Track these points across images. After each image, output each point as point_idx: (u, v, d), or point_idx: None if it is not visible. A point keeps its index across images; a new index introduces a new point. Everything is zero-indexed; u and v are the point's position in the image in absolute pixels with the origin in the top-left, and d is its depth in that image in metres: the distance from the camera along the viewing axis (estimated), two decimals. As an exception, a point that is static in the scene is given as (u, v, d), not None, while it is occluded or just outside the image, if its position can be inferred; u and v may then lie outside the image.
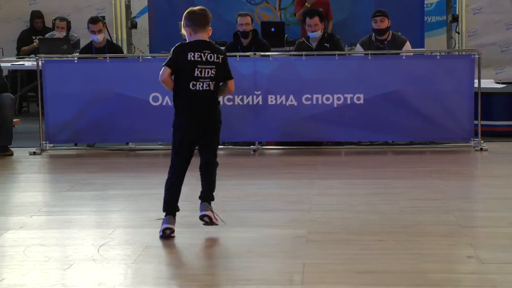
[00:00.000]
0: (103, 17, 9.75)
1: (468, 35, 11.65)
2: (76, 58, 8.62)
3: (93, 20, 8.94)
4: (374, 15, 8.65)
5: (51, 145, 8.47)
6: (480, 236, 4.96)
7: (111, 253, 4.68)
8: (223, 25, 11.12)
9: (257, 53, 8.43)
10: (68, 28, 11.09)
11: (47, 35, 11.26)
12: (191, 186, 6.58)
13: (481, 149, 8.02)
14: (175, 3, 11.59)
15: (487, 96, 8.76)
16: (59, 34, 10.97)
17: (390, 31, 8.70)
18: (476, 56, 8.13)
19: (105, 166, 7.66)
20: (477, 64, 8.16)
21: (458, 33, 11.37)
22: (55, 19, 11.21)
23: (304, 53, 8.37)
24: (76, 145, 8.70)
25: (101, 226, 5.43)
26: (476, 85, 8.19)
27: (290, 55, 8.83)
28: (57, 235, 5.18)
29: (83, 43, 9.77)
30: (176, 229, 5.17)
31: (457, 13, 11.39)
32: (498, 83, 10.17)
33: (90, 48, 8.98)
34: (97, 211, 5.92)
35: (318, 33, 8.75)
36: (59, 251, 4.79)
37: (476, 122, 8.14)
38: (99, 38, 8.91)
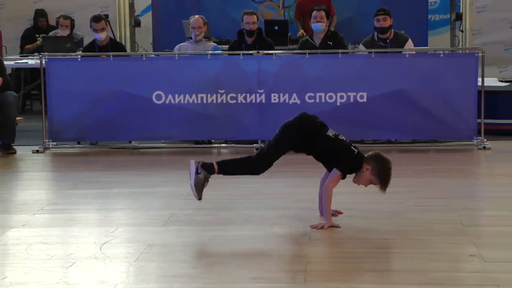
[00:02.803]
0: (107, 16, 9.74)
1: (472, 34, 11.63)
2: (79, 57, 8.62)
3: (96, 19, 8.94)
4: (376, 13, 8.64)
5: (54, 143, 8.48)
6: (483, 235, 4.95)
7: (114, 251, 4.67)
8: (228, 23, 11.12)
9: (260, 51, 8.42)
10: (72, 26, 11.10)
11: (50, 33, 11.27)
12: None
13: (484, 147, 8.00)
14: (179, 1, 11.59)
15: (491, 94, 8.75)
16: (62, 32, 10.98)
17: (392, 30, 8.69)
18: (479, 54, 8.12)
19: (108, 164, 7.66)
20: (481, 63, 8.14)
21: (462, 32, 11.35)
22: (58, 17, 11.22)
23: (307, 51, 8.37)
24: (79, 143, 8.70)
25: (103, 224, 5.43)
26: (479, 83, 8.17)
27: (294, 53, 8.82)
28: (59, 233, 5.18)
29: (86, 42, 9.77)
30: (179, 227, 5.18)
31: (460, 11, 11.38)
32: (502, 81, 10.16)
33: (93, 47, 8.99)
34: (100, 209, 5.92)
35: (323, 26, 8.76)
36: (62, 249, 4.78)
37: (479, 120, 8.13)
38: (102, 36, 8.90)
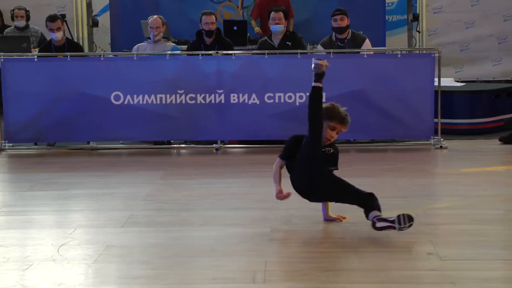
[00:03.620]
0: (64, 16, 9.64)
1: (429, 34, 11.77)
2: (36, 57, 8.52)
3: (52, 18, 8.85)
4: (333, 14, 8.70)
5: (11, 144, 8.37)
6: (440, 233, 5.00)
7: (72, 253, 4.63)
8: (186, 23, 11.09)
9: (219, 51, 8.42)
10: (27, 17, 10.92)
11: (6, 30, 11.10)
12: (155, 185, 6.57)
13: (441, 147, 8.11)
14: (137, 1, 11.53)
15: (447, 94, 8.87)
16: (18, 23, 10.81)
17: (350, 30, 8.75)
18: (436, 54, 8.22)
19: (66, 166, 7.59)
20: (437, 63, 8.24)
21: (419, 32, 11.48)
22: (13, 9, 11.04)
23: (266, 51, 8.38)
24: (36, 144, 8.60)
25: (62, 226, 5.37)
26: (436, 83, 8.27)
27: (253, 53, 8.83)
28: (16, 235, 5.11)
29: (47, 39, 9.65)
30: (138, 229, 5.15)
31: (417, 12, 11.51)
32: (458, 81, 10.30)
33: (49, 47, 8.89)
34: (58, 211, 5.86)
35: (281, 27, 8.78)
36: (19, 251, 4.72)
37: (436, 120, 8.23)
38: (58, 36, 8.82)
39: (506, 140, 8.29)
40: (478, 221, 5.19)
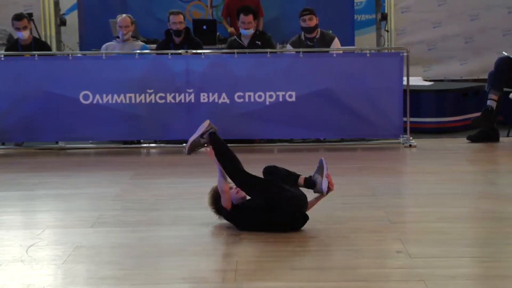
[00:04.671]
0: (31, 14, 9.55)
1: (397, 34, 11.85)
2: (2, 56, 8.43)
3: (18, 17, 8.78)
4: (301, 14, 8.72)
5: (-23, 144, 8.28)
6: (409, 231, 5.04)
7: (40, 253, 4.59)
8: (154, 22, 11.04)
9: (189, 50, 8.40)
10: None
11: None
12: (124, 185, 6.53)
13: (410, 145, 8.17)
14: (105, 0, 11.44)
15: (416, 93, 8.94)
16: None
17: (319, 29, 8.78)
18: (404, 54, 8.29)
19: (34, 166, 7.52)
20: (406, 62, 8.31)
21: (387, 32, 11.55)
22: None
23: (236, 50, 8.38)
24: (3, 144, 8.51)
25: (29, 226, 5.32)
26: (405, 82, 8.34)
27: (222, 53, 8.83)
28: (-16, 236, 5.05)
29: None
30: (107, 229, 5.12)
31: (386, 11, 11.58)
32: (426, 80, 10.39)
33: (16, 46, 8.82)
34: (26, 211, 5.81)
35: (251, 31, 8.78)
36: (-14, 252, 4.67)
37: (405, 119, 8.29)
38: (24, 35, 8.75)
39: (473, 139, 8.38)
40: (446, 219, 5.24)
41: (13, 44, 8.90)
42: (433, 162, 7.43)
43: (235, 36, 9.13)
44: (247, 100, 8.22)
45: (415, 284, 3.98)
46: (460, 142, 8.42)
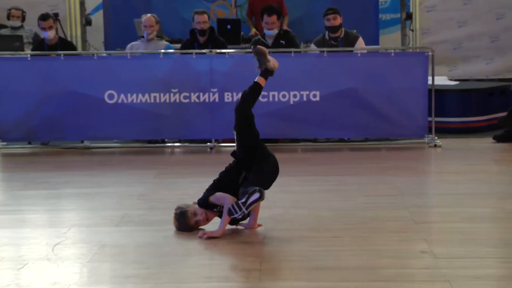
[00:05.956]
0: (57, 14, 9.61)
1: (422, 33, 11.78)
2: (29, 56, 8.51)
3: (43, 17, 8.85)
4: (326, 13, 8.70)
5: (4, 143, 8.35)
6: (434, 232, 5.02)
7: (66, 252, 4.62)
8: (179, 22, 11.08)
9: (213, 50, 8.41)
10: (23, 18, 10.90)
11: (1, 31, 11.06)
12: (148, 184, 6.57)
13: (435, 145, 8.13)
14: (130, 0, 11.50)
15: (441, 93, 8.89)
16: (13, 23, 10.79)
17: (343, 28, 8.76)
18: (429, 53, 8.24)
19: (60, 165, 7.58)
20: (431, 62, 8.26)
21: (412, 31, 11.49)
22: (10, 9, 11.01)
23: (260, 50, 8.35)
24: (30, 143, 8.58)
25: (55, 225, 5.37)
26: (429, 82, 8.29)
27: (246, 52, 8.82)
28: (10, 234, 5.10)
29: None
30: (132, 228, 5.15)
31: (411, 10, 11.52)
32: (451, 80, 10.32)
33: (42, 45, 8.89)
34: (51, 210, 5.85)
35: (275, 31, 8.78)
36: (13, 250, 4.72)
37: (430, 118, 8.25)
38: (50, 35, 8.81)
39: (499, 139, 8.32)
40: (471, 219, 5.20)
41: (39, 44, 8.98)
42: (458, 162, 7.38)
43: (259, 36, 9.13)
44: (271, 99, 8.22)
45: (441, 284, 3.96)
46: (486, 142, 8.36)
